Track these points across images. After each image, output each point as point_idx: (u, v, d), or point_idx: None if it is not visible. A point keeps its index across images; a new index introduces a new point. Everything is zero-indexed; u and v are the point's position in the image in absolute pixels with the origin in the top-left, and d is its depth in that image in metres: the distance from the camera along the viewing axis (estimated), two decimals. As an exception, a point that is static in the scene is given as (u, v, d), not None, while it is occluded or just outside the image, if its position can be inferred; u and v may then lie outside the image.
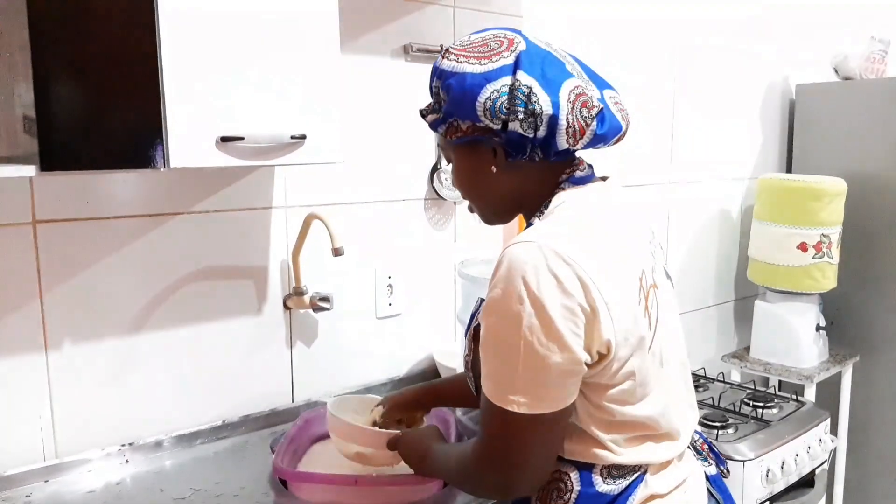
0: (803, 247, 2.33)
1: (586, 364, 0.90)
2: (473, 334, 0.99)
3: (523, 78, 0.93)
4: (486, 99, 0.93)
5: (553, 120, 0.93)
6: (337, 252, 1.46)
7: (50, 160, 1.03)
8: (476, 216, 1.11)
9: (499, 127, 0.94)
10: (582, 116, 0.94)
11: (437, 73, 0.99)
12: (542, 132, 0.94)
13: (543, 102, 0.93)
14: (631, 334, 0.92)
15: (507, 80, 0.94)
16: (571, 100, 0.94)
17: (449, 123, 0.99)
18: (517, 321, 0.87)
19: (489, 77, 0.94)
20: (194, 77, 1.13)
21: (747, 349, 2.57)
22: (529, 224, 1.01)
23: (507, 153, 0.97)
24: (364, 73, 1.65)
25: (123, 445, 1.40)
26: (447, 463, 1.09)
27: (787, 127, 2.82)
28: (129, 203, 1.38)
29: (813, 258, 2.32)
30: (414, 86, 1.74)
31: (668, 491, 0.98)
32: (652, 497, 0.97)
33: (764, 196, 2.43)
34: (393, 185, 1.75)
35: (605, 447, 0.95)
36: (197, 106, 1.13)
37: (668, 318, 1.01)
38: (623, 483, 0.96)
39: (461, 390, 1.31)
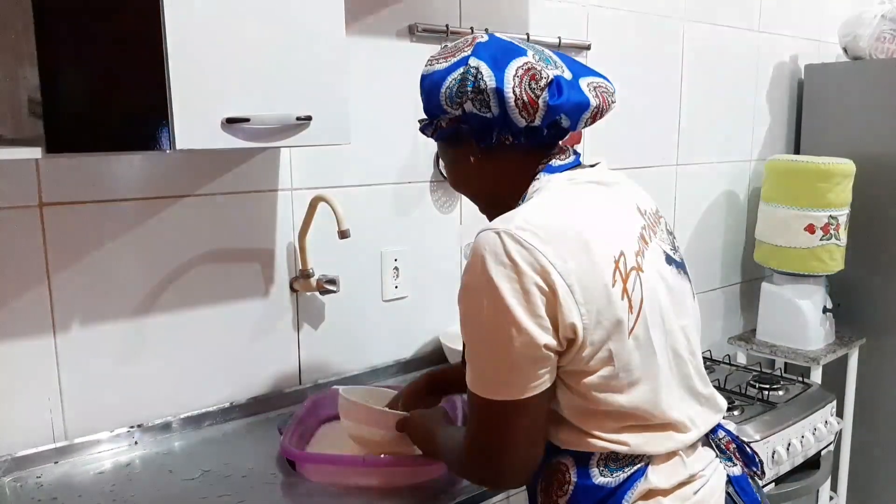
0: (811, 229, 2.32)
1: (554, 351, 0.89)
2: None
3: (472, 62, 0.98)
4: (447, 88, 1.00)
5: (499, 94, 0.96)
6: (343, 234, 1.46)
7: (55, 142, 1.03)
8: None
9: (459, 112, 1.00)
10: (530, 88, 0.96)
11: (419, 83, 1.05)
12: (495, 109, 0.97)
13: (488, 78, 0.97)
14: (604, 317, 0.90)
15: (462, 67, 0.99)
16: (519, 74, 0.97)
17: (433, 124, 1.05)
18: (479, 307, 0.90)
19: (450, 70, 1.00)
20: (199, 58, 1.12)
21: (753, 331, 2.56)
22: None
23: (477, 139, 1.01)
24: (369, 54, 1.64)
25: (132, 427, 1.41)
26: (445, 447, 1.10)
27: (795, 108, 2.79)
28: (136, 185, 1.38)
29: (820, 240, 2.31)
30: (419, 67, 1.72)
31: (670, 486, 0.95)
32: (652, 492, 0.95)
33: (771, 177, 2.41)
34: (399, 168, 1.74)
35: (595, 436, 0.94)
36: (202, 87, 1.13)
37: (665, 304, 0.98)
38: (621, 476, 0.94)
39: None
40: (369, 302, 1.74)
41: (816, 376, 2.33)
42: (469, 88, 0.97)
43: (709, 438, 1.04)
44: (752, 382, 2.02)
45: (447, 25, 1.72)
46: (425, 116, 1.07)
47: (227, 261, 1.51)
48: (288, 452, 1.27)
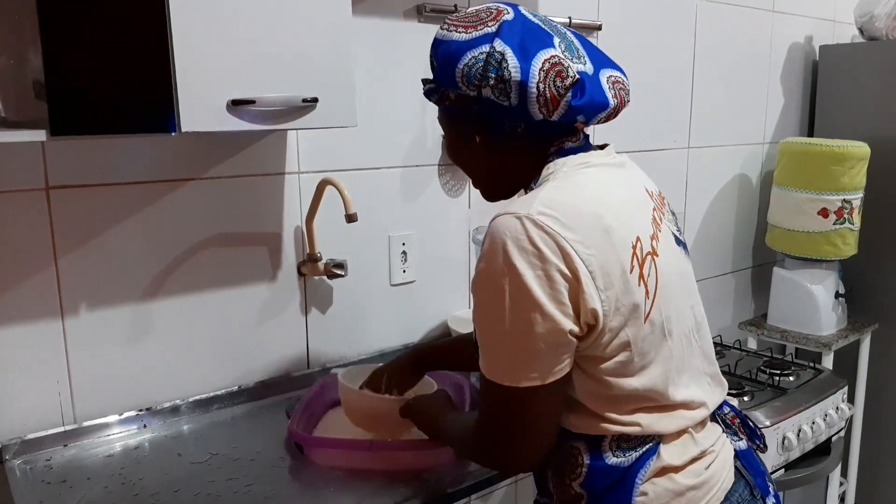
0: (824, 213, 2.29)
1: (576, 336, 0.89)
2: None
3: (498, 45, 0.94)
4: (465, 65, 0.95)
5: (522, 87, 0.93)
6: (351, 218, 1.45)
7: (60, 125, 1.02)
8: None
9: (475, 94, 0.96)
10: (555, 86, 0.93)
11: (432, 43, 1.01)
12: (514, 100, 0.94)
13: (513, 69, 0.93)
14: (622, 303, 0.90)
15: (486, 47, 0.95)
16: (545, 69, 0.93)
17: (441, 93, 1.01)
18: (500, 293, 0.87)
19: (470, 45, 0.96)
20: (204, 39, 1.11)
21: (764, 316, 2.54)
22: None
23: (487, 123, 0.98)
24: (376, 35, 1.62)
25: (141, 410, 1.41)
26: (453, 432, 1.11)
27: (809, 89, 2.75)
28: (142, 169, 1.37)
29: (834, 224, 2.29)
30: (427, 48, 1.70)
31: (682, 463, 0.96)
32: (664, 469, 0.95)
33: (785, 160, 2.38)
34: (406, 151, 1.73)
35: (608, 420, 0.94)
36: (207, 69, 1.11)
37: (676, 287, 0.99)
38: (634, 455, 0.95)
39: (454, 354, 1.35)
40: (377, 286, 1.73)
41: (828, 362, 2.31)
42: (492, 75, 0.93)
43: (714, 414, 1.05)
44: (762, 368, 2.01)
45: (455, 5, 1.70)
46: (432, 79, 1.03)
47: (234, 245, 1.51)
48: (295, 436, 1.27)
